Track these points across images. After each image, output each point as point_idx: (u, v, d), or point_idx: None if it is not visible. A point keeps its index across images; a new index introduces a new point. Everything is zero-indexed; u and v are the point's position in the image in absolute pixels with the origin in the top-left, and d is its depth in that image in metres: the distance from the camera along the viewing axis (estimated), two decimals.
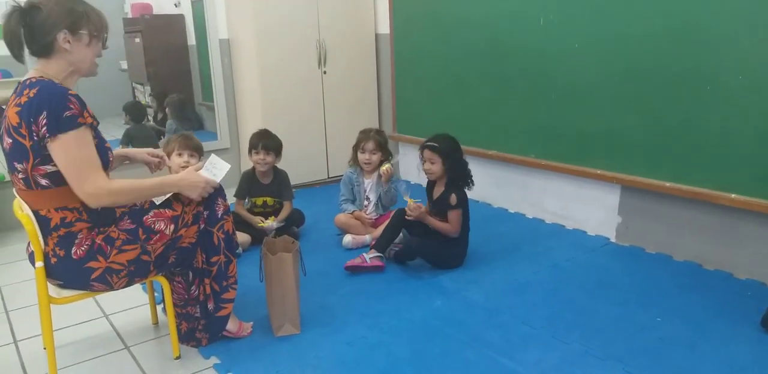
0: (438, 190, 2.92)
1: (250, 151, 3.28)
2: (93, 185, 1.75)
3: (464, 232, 2.92)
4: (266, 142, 3.25)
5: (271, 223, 3.18)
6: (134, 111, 4.78)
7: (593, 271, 2.84)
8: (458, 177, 2.84)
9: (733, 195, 2.62)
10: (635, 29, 2.82)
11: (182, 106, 4.95)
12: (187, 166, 2.67)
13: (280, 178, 3.40)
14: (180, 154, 2.80)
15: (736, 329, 2.27)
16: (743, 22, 2.47)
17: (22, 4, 1.76)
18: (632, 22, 2.83)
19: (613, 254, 3.06)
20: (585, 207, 3.34)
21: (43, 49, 1.78)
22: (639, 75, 2.85)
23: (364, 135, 3.31)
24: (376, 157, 3.29)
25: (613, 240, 3.22)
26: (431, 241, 2.87)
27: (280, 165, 3.40)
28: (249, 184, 3.37)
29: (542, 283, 2.72)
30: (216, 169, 2.10)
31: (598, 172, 3.13)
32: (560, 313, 2.43)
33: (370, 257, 2.84)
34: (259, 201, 3.36)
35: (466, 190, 2.90)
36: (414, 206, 2.82)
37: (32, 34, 1.76)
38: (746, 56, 2.48)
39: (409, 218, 2.84)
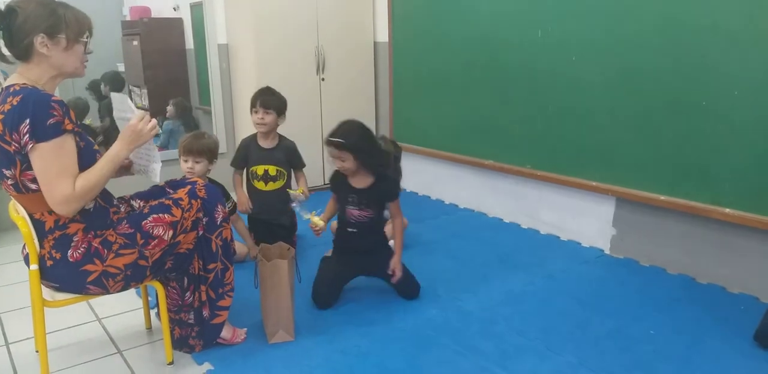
0: (361, 181, 2.57)
1: (251, 111, 3.03)
2: (62, 193, 1.73)
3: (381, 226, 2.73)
4: (265, 98, 2.97)
5: (299, 194, 2.83)
6: (114, 81, 4.79)
7: (587, 283, 2.84)
8: (375, 164, 2.51)
9: (727, 210, 2.64)
10: (632, 43, 2.85)
11: (186, 110, 4.96)
12: (192, 171, 2.67)
13: (286, 144, 3.11)
14: (186, 160, 2.70)
15: (729, 343, 2.28)
16: (738, 38, 2.49)
17: (1, 7, 1.75)
18: (630, 36, 2.85)
19: (607, 266, 3.07)
20: (580, 219, 3.35)
21: (22, 53, 1.78)
22: (635, 89, 2.87)
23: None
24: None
25: (607, 252, 3.23)
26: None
27: None
28: (247, 150, 3.07)
29: (536, 294, 2.72)
30: (124, 107, 1.99)
31: (594, 183, 3.15)
32: (554, 324, 2.44)
33: None
34: (260, 170, 3.05)
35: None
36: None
37: (10, 37, 1.75)
38: (742, 72, 2.51)
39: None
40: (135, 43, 5.38)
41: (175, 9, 5.48)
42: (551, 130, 3.32)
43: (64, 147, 1.75)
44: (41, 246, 1.85)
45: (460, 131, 3.91)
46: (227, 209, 2.16)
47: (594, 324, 2.43)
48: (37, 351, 2.11)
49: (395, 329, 2.41)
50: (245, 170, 3.13)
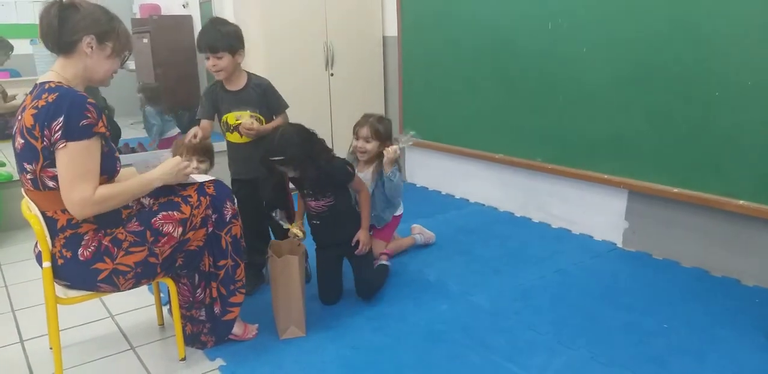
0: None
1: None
2: (80, 196, 1.75)
3: (351, 204, 2.62)
4: (207, 39, 2.46)
5: (247, 122, 2.54)
6: None
7: (599, 277, 2.82)
8: (323, 165, 2.38)
9: (741, 202, 2.61)
10: (644, 34, 2.81)
11: (157, 93, 4.98)
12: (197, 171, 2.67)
13: (257, 82, 2.62)
14: (189, 160, 2.55)
15: (744, 336, 2.26)
16: (753, 27, 2.45)
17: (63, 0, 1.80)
18: (641, 27, 2.82)
19: (619, 259, 3.04)
20: (592, 212, 3.33)
21: (65, 46, 1.81)
22: (647, 79, 2.84)
23: (363, 120, 2.89)
24: (371, 146, 2.83)
25: (619, 245, 3.20)
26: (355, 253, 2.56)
27: None
28: (213, 98, 2.63)
29: (548, 288, 2.71)
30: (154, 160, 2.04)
31: (606, 176, 3.12)
32: (566, 319, 2.42)
33: None
34: (231, 118, 2.59)
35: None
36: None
37: (61, 29, 1.78)
38: (756, 62, 2.47)
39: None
40: (145, 40, 5.40)
41: (184, 6, 5.51)
42: (562, 122, 3.29)
43: (91, 149, 1.77)
44: (52, 245, 1.86)
45: (470, 125, 3.89)
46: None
47: (606, 318, 2.42)
48: (51, 348, 2.13)
49: (406, 324, 2.41)
50: (222, 125, 2.68)
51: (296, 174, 2.37)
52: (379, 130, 2.83)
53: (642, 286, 2.70)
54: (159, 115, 5.03)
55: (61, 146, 1.72)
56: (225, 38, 2.45)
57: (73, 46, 1.81)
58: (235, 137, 2.62)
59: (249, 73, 2.64)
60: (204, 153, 2.68)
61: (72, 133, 1.72)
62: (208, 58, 2.49)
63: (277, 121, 2.66)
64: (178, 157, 2.02)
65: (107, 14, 1.86)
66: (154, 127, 5.06)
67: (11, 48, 5.62)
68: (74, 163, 1.74)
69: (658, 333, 2.29)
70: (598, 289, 2.68)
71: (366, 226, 2.57)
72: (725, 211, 2.69)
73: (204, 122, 2.63)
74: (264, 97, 2.61)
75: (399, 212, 3.06)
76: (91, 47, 1.82)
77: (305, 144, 2.32)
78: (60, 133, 1.71)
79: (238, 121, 2.55)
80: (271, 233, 2.81)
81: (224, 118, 2.61)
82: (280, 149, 2.29)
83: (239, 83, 2.59)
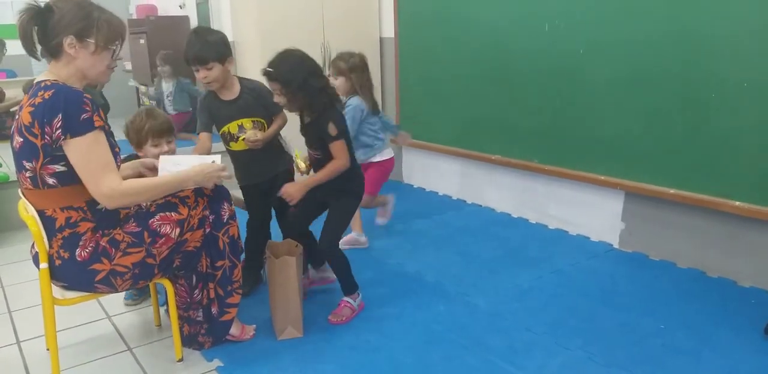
0: (307, 117, 2.38)
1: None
2: (108, 186, 1.76)
3: (353, 164, 2.42)
4: (195, 52, 2.39)
5: (250, 134, 2.51)
6: None
7: (596, 277, 2.83)
8: (314, 103, 2.26)
9: (737, 203, 2.62)
10: (641, 36, 2.82)
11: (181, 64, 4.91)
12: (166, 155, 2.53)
13: (251, 87, 2.57)
14: (156, 145, 2.34)
15: (739, 337, 2.26)
16: (749, 30, 2.46)
17: (39, 5, 1.78)
18: (638, 28, 2.83)
19: (616, 260, 3.05)
20: (588, 213, 3.34)
21: (51, 51, 1.81)
22: (644, 81, 2.85)
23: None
24: (338, 82, 2.88)
25: (616, 246, 3.21)
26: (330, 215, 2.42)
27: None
28: (209, 109, 2.58)
29: (545, 289, 2.71)
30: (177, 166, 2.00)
31: (602, 177, 3.13)
32: (563, 319, 2.43)
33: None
34: (233, 127, 2.55)
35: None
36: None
37: (43, 35, 1.78)
38: (752, 64, 2.48)
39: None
40: (142, 41, 5.40)
41: (181, 7, 5.50)
42: (559, 124, 3.30)
43: (100, 141, 1.77)
44: (50, 246, 1.86)
45: (467, 126, 3.89)
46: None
47: (603, 319, 2.42)
48: (47, 349, 2.12)
49: (404, 324, 2.41)
50: (224, 135, 2.62)
51: (282, 98, 2.26)
52: (341, 66, 2.95)
53: (639, 287, 2.71)
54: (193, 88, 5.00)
55: (64, 142, 1.72)
56: (212, 47, 2.40)
57: (58, 49, 1.79)
58: (239, 145, 2.58)
59: (240, 78, 2.59)
60: (169, 131, 2.41)
61: (75, 128, 1.72)
62: (197, 71, 2.43)
63: (277, 123, 2.65)
64: (220, 164, 2.00)
65: (83, 9, 1.80)
66: (190, 100, 5.03)
67: (3, 45, 5.59)
68: (88, 156, 1.75)
69: (654, 334, 2.30)
70: (595, 290, 2.69)
71: (308, 183, 2.31)
72: (721, 212, 2.70)
73: (203, 135, 2.60)
74: (260, 100, 2.56)
75: (380, 156, 3.11)
76: (74, 47, 1.79)
77: (299, 69, 2.23)
78: (61, 129, 1.71)
79: (242, 135, 2.53)
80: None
81: (225, 128, 2.56)
82: (274, 63, 2.25)
83: (233, 91, 2.54)
